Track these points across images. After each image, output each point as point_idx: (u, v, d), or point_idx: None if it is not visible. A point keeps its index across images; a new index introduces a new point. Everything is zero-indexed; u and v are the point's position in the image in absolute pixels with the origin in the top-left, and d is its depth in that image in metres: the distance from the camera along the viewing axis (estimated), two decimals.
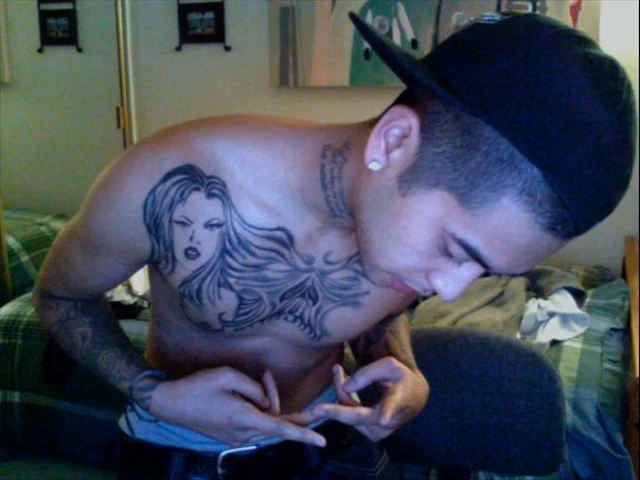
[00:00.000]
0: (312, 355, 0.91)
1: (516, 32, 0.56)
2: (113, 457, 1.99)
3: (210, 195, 0.71)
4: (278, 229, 0.74)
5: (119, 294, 2.14)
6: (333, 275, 0.79)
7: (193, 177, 0.70)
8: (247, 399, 0.78)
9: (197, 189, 0.71)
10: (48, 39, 3.28)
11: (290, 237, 0.75)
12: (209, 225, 0.72)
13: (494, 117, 0.54)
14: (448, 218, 0.58)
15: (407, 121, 0.59)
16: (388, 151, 0.61)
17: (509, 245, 0.57)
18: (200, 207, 0.71)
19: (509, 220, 0.55)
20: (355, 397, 0.90)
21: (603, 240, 2.53)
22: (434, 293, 0.65)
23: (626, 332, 1.96)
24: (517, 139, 0.53)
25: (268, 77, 2.95)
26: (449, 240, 0.59)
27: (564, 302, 2.02)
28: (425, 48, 2.67)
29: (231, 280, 0.75)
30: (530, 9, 2.51)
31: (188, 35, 3.06)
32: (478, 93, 0.54)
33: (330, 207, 0.71)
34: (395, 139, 0.61)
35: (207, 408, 0.78)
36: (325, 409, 0.76)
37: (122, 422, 1.00)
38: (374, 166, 0.61)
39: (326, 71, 2.85)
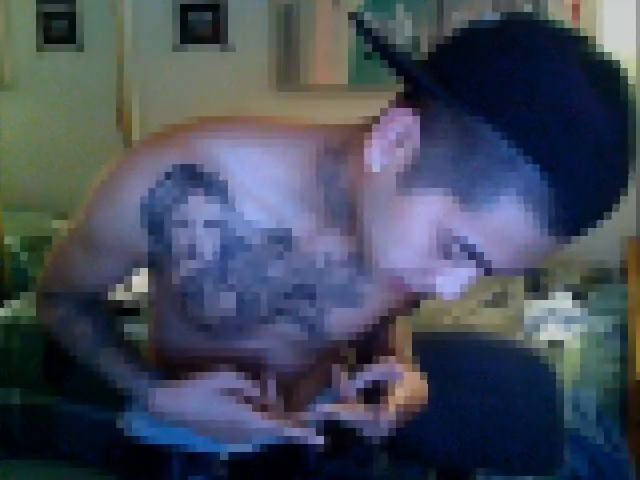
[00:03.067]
0: (312, 355, 0.91)
1: (516, 32, 0.56)
2: (113, 457, 1.98)
3: (210, 195, 0.71)
4: (278, 229, 0.74)
5: (119, 294, 2.14)
6: (333, 275, 0.79)
7: (193, 177, 0.70)
8: (247, 399, 0.78)
9: (197, 189, 0.71)
10: (48, 39, 3.28)
11: (290, 237, 0.75)
12: (209, 225, 0.72)
13: (494, 117, 0.54)
14: (448, 218, 0.58)
15: (407, 121, 0.59)
16: (388, 151, 0.61)
17: (509, 245, 0.57)
18: (200, 207, 0.71)
19: (509, 220, 0.55)
20: (355, 397, 0.90)
21: (603, 240, 2.52)
22: (434, 293, 0.65)
23: (626, 332, 1.96)
24: (517, 139, 0.53)
25: (268, 77, 2.95)
26: (449, 240, 0.59)
27: (564, 302, 2.02)
28: (425, 48, 2.67)
29: (231, 280, 0.75)
30: (530, 9, 2.51)
31: (188, 35, 3.05)
32: (478, 93, 0.54)
33: (330, 207, 0.71)
34: (395, 139, 0.61)
35: (207, 408, 0.78)
36: (325, 409, 0.76)
37: (122, 422, 0.99)
38: (374, 166, 0.61)
39: (326, 71, 2.85)
